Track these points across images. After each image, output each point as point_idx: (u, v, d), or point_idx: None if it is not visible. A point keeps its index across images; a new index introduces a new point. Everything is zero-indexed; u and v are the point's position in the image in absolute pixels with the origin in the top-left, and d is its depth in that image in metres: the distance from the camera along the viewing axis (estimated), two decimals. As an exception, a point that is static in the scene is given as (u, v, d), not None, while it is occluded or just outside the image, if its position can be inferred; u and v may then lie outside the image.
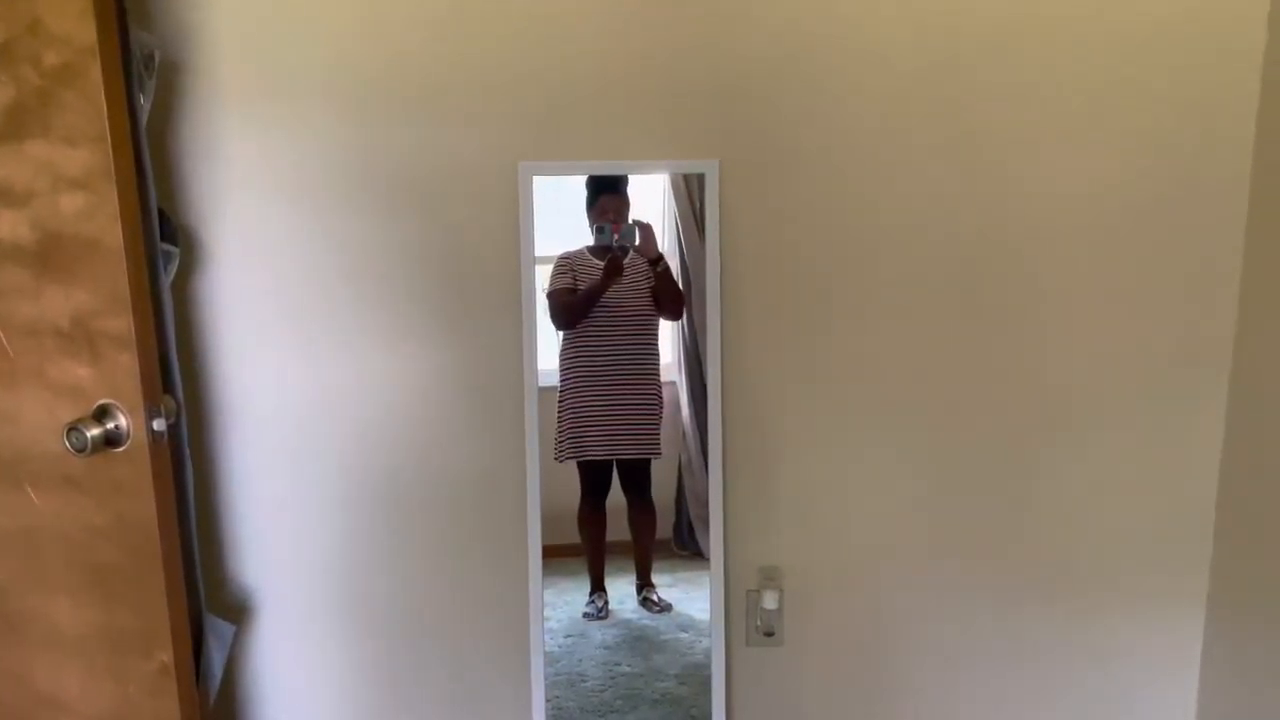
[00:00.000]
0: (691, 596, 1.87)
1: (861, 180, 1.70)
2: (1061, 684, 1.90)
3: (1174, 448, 1.82)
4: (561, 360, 1.79)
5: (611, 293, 1.78)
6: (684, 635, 1.87)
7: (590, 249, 1.78)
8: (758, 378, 1.77)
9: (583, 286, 1.78)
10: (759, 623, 1.84)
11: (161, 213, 1.50)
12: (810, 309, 1.75)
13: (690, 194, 1.72)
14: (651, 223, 1.76)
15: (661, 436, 1.84)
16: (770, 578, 1.83)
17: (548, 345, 1.76)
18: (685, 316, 1.78)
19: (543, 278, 1.74)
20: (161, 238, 1.48)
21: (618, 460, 1.85)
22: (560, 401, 1.80)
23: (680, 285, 1.77)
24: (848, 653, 1.87)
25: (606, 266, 1.77)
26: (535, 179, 1.67)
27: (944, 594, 1.86)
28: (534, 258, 1.70)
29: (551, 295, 1.76)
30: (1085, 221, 1.73)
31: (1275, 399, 1.69)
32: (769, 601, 1.82)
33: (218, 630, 1.62)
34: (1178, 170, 1.72)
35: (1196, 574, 1.86)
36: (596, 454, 1.83)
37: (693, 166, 1.69)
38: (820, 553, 1.83)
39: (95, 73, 1.23)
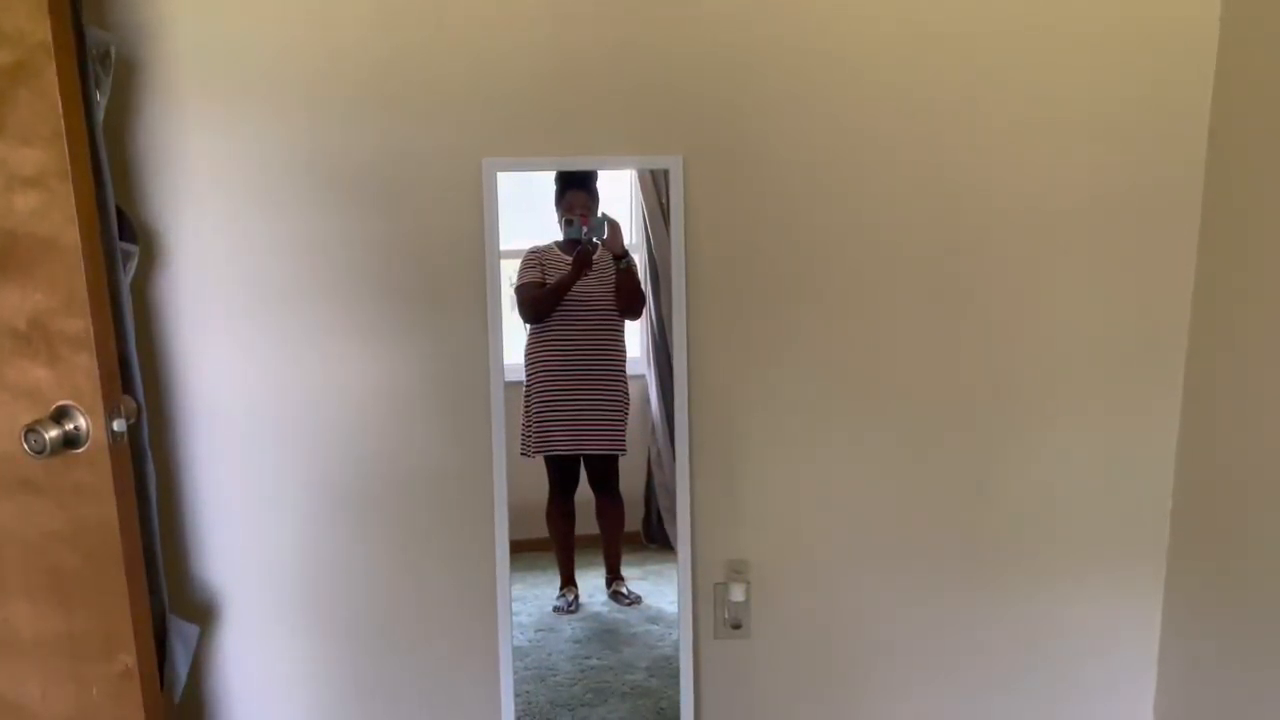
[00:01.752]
0: (661, 589, 1.87)
1: (824, 176, 1.71)
2: (1023, 670, 1.93)
3: (1131, 436, 1.85)
4: (527, 355, 1.79)
5: (578, 287, 1.78)
6: (654, 628, 1.88)
7: (559, 244, 1.78)
8: (724, 372, 1.77)
9: (551, 281, 1.78)
10: (727, 615, 1.86)
11: (120, 211, 1.48)
12: (776, 303, 1.76)
13: (657, 189, 1.72)
14: (619, 219, 1.76)
15: (629, 430, 1.84)
16: (737, 570, 1.85)
17: (514, 340, 1.76)
18: (654, 311, 1.78)
19: (510, 273, 1.74)
20: (120, 236, 1.47)
21: (584, 456, 1.86)
22: (526, 396, 1.80)
23: (645, 283, 1.78)
24: (814, 644, 1.89)
25: (575, 259, 1.77)
26: (502, 175, 1.66)
27: (908, 585, 1.88)
28: (499, 253, 1.69)
29: (520, 289, 1.76)
30: (1046, 219, 1.75)
31: (1228, 387, 1.72)
32: (736, 594, 1.83)
33: (182, 632, 1.61)
34: (1134, 167, 1.75)
35: (1154, 558, 1.89)
36: (562, 449, 1.83)
37: (656, 162, 1.69)
38: (786, 545, 1.84)
39: (50, 70, 1.21)
